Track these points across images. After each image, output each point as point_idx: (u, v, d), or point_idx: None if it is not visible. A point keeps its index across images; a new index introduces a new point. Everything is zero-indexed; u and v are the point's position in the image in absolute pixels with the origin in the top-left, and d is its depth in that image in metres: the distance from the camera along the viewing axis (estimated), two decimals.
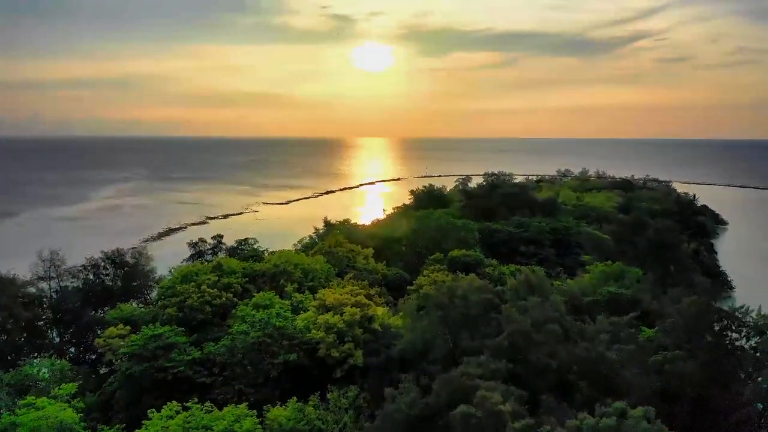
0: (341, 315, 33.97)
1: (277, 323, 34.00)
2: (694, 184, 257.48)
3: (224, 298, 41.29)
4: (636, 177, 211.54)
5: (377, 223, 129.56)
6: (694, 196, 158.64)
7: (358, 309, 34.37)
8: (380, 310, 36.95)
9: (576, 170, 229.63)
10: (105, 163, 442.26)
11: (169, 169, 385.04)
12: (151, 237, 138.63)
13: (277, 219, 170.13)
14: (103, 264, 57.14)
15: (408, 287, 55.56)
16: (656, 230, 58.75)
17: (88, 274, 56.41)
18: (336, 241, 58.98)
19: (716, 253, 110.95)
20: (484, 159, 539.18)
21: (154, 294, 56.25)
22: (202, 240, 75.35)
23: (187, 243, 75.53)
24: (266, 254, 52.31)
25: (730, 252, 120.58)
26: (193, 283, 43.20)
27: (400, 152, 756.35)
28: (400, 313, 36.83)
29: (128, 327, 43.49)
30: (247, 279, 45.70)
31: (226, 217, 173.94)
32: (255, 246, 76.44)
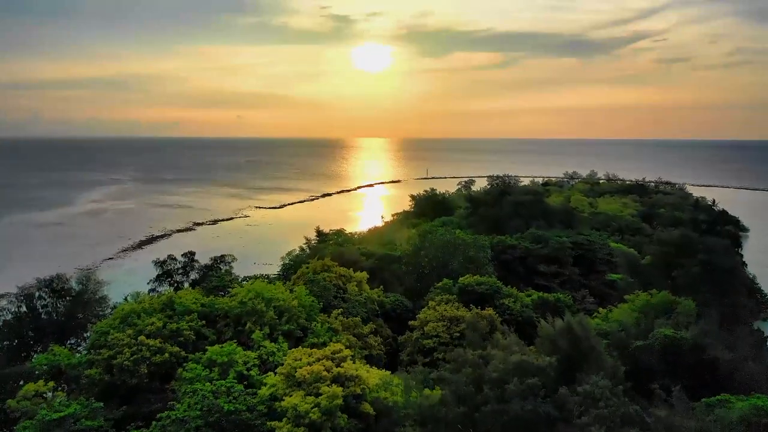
0: (317, 396, 23.93)
1: (228, 406, 23.95)
2: (704, 187, 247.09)
3: (167, 354, 31.22)
4: (647, 179, 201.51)
5: (375, 231, 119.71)
6: (714, 201, 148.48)
7: (341, 388, 24.25)
8: (374, 377, 26.86)
9: (583, 172, 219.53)
10: (98, 165, 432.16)
11: (162, 170, 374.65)
12: (131, 246, 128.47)
13: (269, 225, 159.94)
14: (38, 293, 46.96)
15: (411, 322, 45.59)
16: (708, 250, 48.80)
17: (20, 306, 46.31)
18: (323, 265, 48.88)
19: (746, 265, 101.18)
20: (485, 160, 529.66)
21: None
22: (171, 257, 65.15)
23: (152, 261, 65.46)
24: (236, 284, 42.13)
25: (759, 263, 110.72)
26: (131, 330, 33.16)
27: (400, 153, 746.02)
28: (401, 381, 26.64)
29: (52, 383, 33.63)
30: (204, 322, 35.63)
31: (215, 222, 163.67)
32: (231, 264, 66.72)
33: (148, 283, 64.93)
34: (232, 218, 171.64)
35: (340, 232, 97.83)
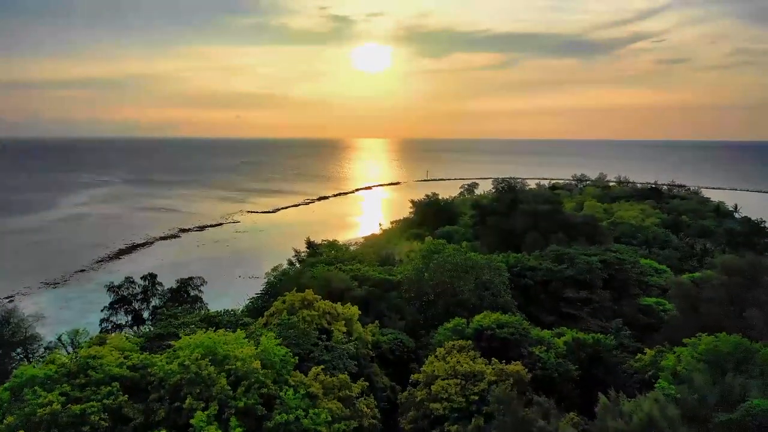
0: None
1: None
2: (712, 189, 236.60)
3: None
4: (659, 182, 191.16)
5: (372, 240, 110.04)
6: (736, 207, 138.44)
7: None
8: None
9: (589, 174, 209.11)
10: (91, 166, 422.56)
11: (156, 171, 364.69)
12: (107, 255, 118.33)
13: (260, 231, 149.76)
14: None
15: (414, 375, 35.61)
16: None
17: None
18: (302, 300, 38.83)
19: None
20: (486, 161, 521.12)
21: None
22: (129, 280, 55.34)
23: (105, 286, 55.58)
24: (184, 332, 32.01)
25: None
26: (12, 417, 23.20)
27: (400, 153, 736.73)
28: None
29: None
30: (126, 397, 25.65)
31: (202, 229, 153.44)
32: (201, 288, 56.99)
33: (102, 310, 55.28)
34: (220, 224, 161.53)
35: (332, 244, 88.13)
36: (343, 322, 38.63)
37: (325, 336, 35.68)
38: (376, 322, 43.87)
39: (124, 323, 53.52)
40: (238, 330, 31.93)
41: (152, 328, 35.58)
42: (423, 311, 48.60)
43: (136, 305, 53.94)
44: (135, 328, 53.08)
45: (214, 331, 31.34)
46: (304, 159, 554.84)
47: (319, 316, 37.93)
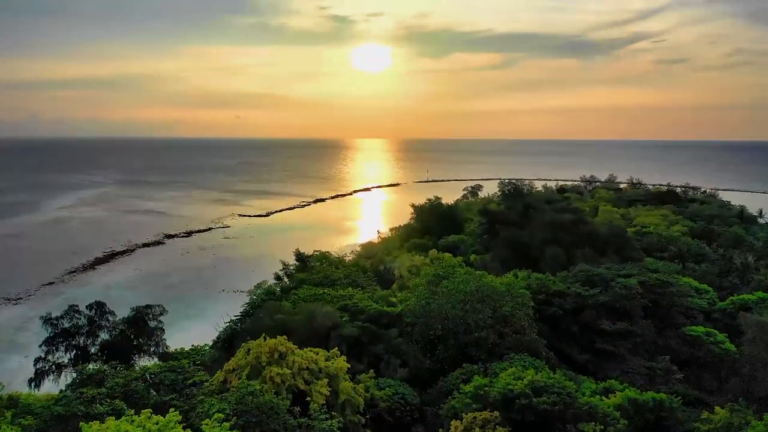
0: None
1: None
2: (722, 191, 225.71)
3: None
4: (672, 184, 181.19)
5: (369, 250, 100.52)
6: (761, 212, 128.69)
7: None
8: None
9: (598, 175, 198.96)
10: (84, 166, 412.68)
11: (149, 172, 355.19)
12: (82, 265, 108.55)
13: (250, 238, 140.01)
14: None
15: None
16: None
17: None
18: (272, 351, 29.34)
19: None
20: (487, 162, 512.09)
21: None
22: (74, 309, 45.82)
23: (41, 318, 45.98)
24: (100, 407, 22.65)
25: None
26: None
27: (399, 154, 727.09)
28: None
29: None
30: None
31: (189, 234, 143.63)
32: (160, 318, 47.54)
33: (40, 346, 45.80)
34: (210, 228, 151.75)
35: (324, 256, 78.83)
36: (326, 380, 29.18)
37: (299, 408, 26.16)
38: (371, 371, 34.52)
39: (66, 362, 44.09)
40: (171, 412, 22.36)
41: (54, 404, 25.78)
42: (429, 352, 39.16)
43: (81, 340, 44.46)
44: (80, 366, 43.57)
45: (144, 410, 21.90)
46: (302, 159, 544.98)
47: (293, 375, 28.46)
